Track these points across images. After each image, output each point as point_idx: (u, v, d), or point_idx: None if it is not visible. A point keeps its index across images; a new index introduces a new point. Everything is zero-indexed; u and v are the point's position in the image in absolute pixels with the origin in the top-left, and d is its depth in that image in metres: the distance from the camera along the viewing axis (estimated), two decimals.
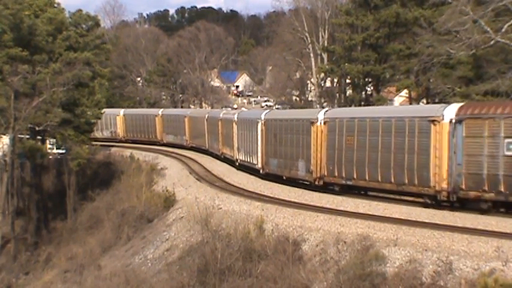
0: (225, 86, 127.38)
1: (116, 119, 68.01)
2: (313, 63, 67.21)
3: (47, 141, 53.95)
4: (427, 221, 23.10)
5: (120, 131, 68.82)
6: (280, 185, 35.51)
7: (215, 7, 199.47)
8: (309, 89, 75.80)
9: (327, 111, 33.85)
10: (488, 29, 33.61)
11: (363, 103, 55.26)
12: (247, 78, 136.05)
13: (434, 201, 25.99)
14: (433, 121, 25.92)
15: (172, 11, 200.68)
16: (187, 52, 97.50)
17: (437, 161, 25.55)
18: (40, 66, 47.61)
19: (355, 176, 29.95)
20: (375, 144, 28.71)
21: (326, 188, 32.07)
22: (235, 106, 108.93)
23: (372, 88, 57.09)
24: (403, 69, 48.07)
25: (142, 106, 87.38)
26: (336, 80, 64.29)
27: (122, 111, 70.14)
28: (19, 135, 46.77)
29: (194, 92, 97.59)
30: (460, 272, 17.96)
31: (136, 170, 49.77)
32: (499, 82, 33.01)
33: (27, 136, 49.06)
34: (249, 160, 40.96)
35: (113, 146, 64.79)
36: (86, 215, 46.89)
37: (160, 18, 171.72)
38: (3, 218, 44.54)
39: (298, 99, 76.38)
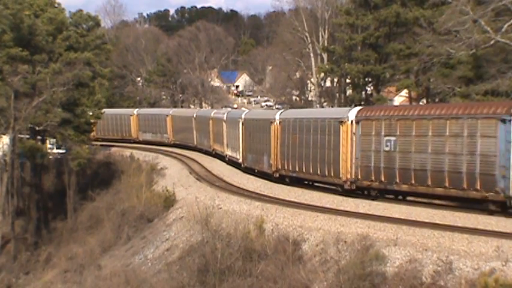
0: (225, 86, 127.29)
1: None
2: (313, 63, 67.21)
3: (47, 141, 53.98)
4: (427, 220, 23.11)
5: None
6: (280, 185, 35.57)
7: (215, 7, 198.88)
8: (309, 88, 75.79)
9: (282, 112, 38.62)
10: (488, 29, 33.59)
11: (363, 103, 55.24)
12: (247, 78, 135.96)
13: (343, 190, 30.41)
14: (341, 122, 30.48)
15: (172, 11, 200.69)
16: (187, 52, 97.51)
17: (344, 155, 30.18)
18: (40, 66, 47.62)
19: (297, 169, 34.48)
20: (308, 142, 33.28)
21: (281, 179, 36.27)
22: (235, 106, 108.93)
23: (372, 88, 57.07)
24: (403, 69, 48.02)
25: (142, 106, 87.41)
26: (336, 80, 64.28)
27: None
28: (19, 135, 46.79)
29: (194, 92, 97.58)
30: (460, 271, 17.95)
31: (136, 170, 49.79)
32: (499, 82, 32.99)
33: (27, 136, 49.08)
34: (234, 155, 44.53)
35: (113, 145, 64.94)
36: (86, 215, 46.89)
37: (160, 18, 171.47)
38: (3, 218, 44.56)
39: (298, 99, 76.41)
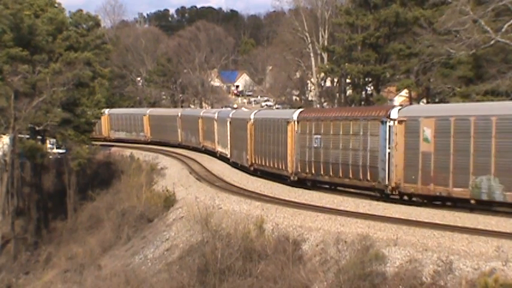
0: (225, 86, 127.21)
1: None
2: (313, 63, 67.21)
3: (47, 141, 53.95)
4: (427, 220, 23.10)
5: None
6: (280, 185, 35.61)
7: (215, 7, 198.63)
8: (309, 88, 75.80)
9: (256, 112, 43.06)
10: (488, 29, 33.61)
11: (363, 103, 55.27)
12: (247, 78, 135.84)
13: (290, 181, 35.05)
14: (288, 122, 35.20)
15: (172, 11, 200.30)
16: (187, 52, 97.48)
17: (290, 151, 35.01)
18: (40, 66, 47.61)
19: (263, 163, 38.88)
20: (270, 139, 37.73)
21: (255, 172, 40.32)
22: (235, 106, 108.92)
23: (372, 88, 57.08)
24: (403, 69, 48.05)
25: (142, 106, 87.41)
26: (336, 80, 64.29)
27: None
28: (19, 135, 46.77)
29: (194, 91, 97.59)
30: (460, 271, 17.95)
31: (136, 170, 49.78)
32: (499, 82, 33.01)
33: (27, 136, 49.06)
34: (224, 151, 48.30)
35: (112, 145, 65.06)
36: (86, 215, 46.88)
37: (160, 18, 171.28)
38: (3, 218, 44.56)
39: (298, 99, 76.39)
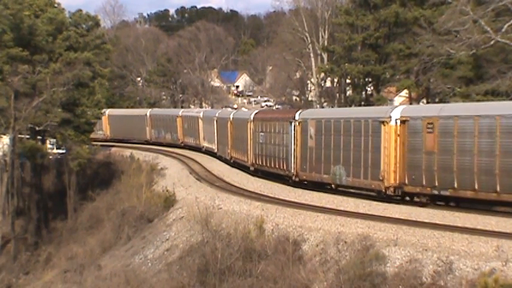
0: (225, 86, 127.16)
1: None
2: (313, 63, 67.17)
3: (47, 141, 53.96)
4: (427, 221, 23.10)
5: None
6: (280, 185, 35.64)
7: (215, 7, 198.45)
8: (309, 89, 75.72)
9: (235, 112, 50.31)
10: (488, 29, 33.58)
11: (363, 103, 55.22)
12: (247, 78, 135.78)
13: (250, 171, 41.08)
14: (247, 121, 41.49)
15: (172, 11, 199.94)
16: (187, 52, 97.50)
17: (249, 146, 41.19)
18: (40, 66, 47.63)
19: (237, 157, 44.99)
20: (239, 136, 44.05)
21: (234, 164, 45.55)
22: (235, 106, 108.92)
23: (372, 88, 57.03)
24: (403, 69, 48.01)
25: (142, 106, 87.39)
26: (336, 80, 64.24)
27: None
28: (19, 135, 46.78)
29: (194, 92, 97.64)
30: (460, 271, 17.96)
31: (136, 170, 49.78)
32: (499, 82, 32.99)
33: (27, 136, 49.06)
34: (210, 147, 53.36)
35: (113, 146, 65.06)
36: (86, 215, 46.87)
37: (160, 18, 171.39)
38: (3, 218, 44.55)
39: (298, 99, 76.35)
